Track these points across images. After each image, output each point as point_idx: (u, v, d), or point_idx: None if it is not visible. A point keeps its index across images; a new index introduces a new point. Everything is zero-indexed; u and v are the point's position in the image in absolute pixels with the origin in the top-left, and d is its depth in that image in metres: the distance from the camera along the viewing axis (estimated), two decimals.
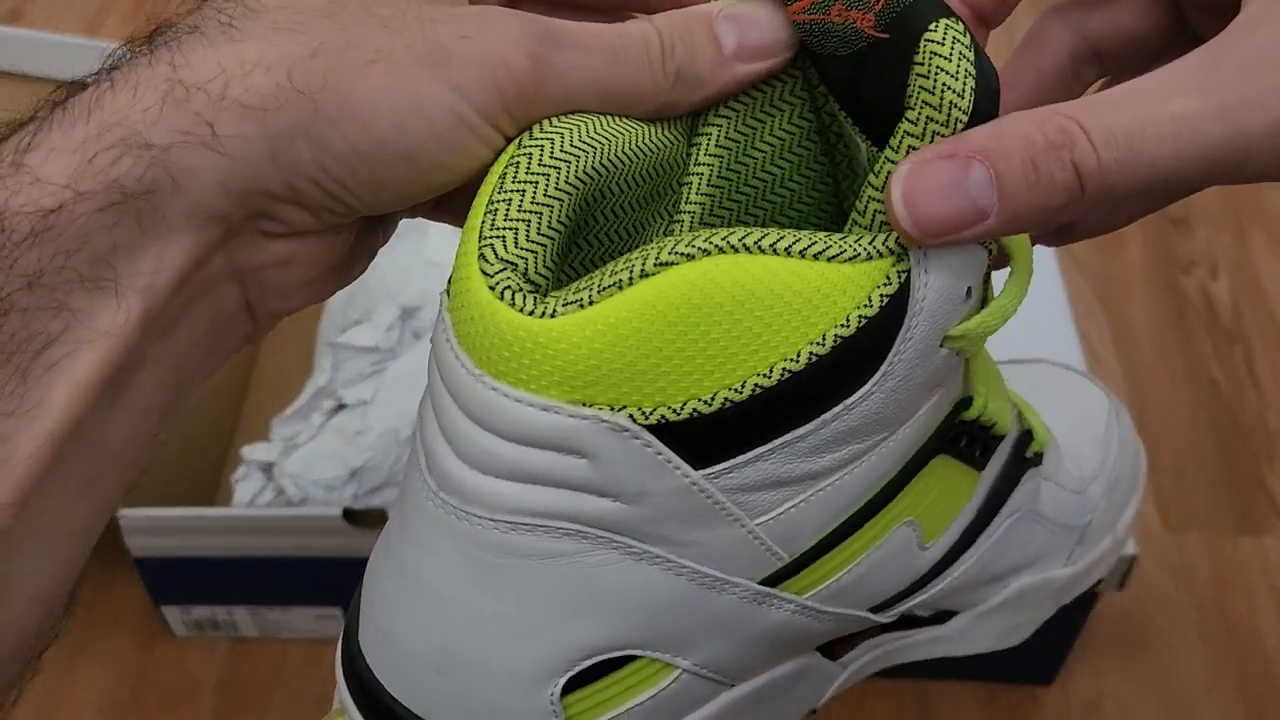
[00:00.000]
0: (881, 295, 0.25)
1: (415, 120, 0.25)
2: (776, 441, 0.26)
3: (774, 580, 0.29)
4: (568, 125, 0.27)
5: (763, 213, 0.31)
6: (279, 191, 0.26)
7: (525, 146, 0.26)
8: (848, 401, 0.26)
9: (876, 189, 0.26)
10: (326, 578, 0.61)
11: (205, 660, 0.64)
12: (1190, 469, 0.73)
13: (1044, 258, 0.68)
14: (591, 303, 0.24)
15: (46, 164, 0.24)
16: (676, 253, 0.25)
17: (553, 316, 0.24)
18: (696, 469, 0.26)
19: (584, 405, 0.25)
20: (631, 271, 0.25)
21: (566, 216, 0.26)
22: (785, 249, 0.25)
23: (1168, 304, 0.82)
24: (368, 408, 0.64)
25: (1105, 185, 0.24)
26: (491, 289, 0.25)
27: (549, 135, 0.26)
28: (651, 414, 0.25)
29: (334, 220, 0.27)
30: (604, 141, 0.27)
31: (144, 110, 0.24)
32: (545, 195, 0.26)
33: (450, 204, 0.32)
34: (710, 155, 0.30)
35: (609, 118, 0.27)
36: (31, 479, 0.24)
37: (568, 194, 0.26)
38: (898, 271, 0.26)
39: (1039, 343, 0.64)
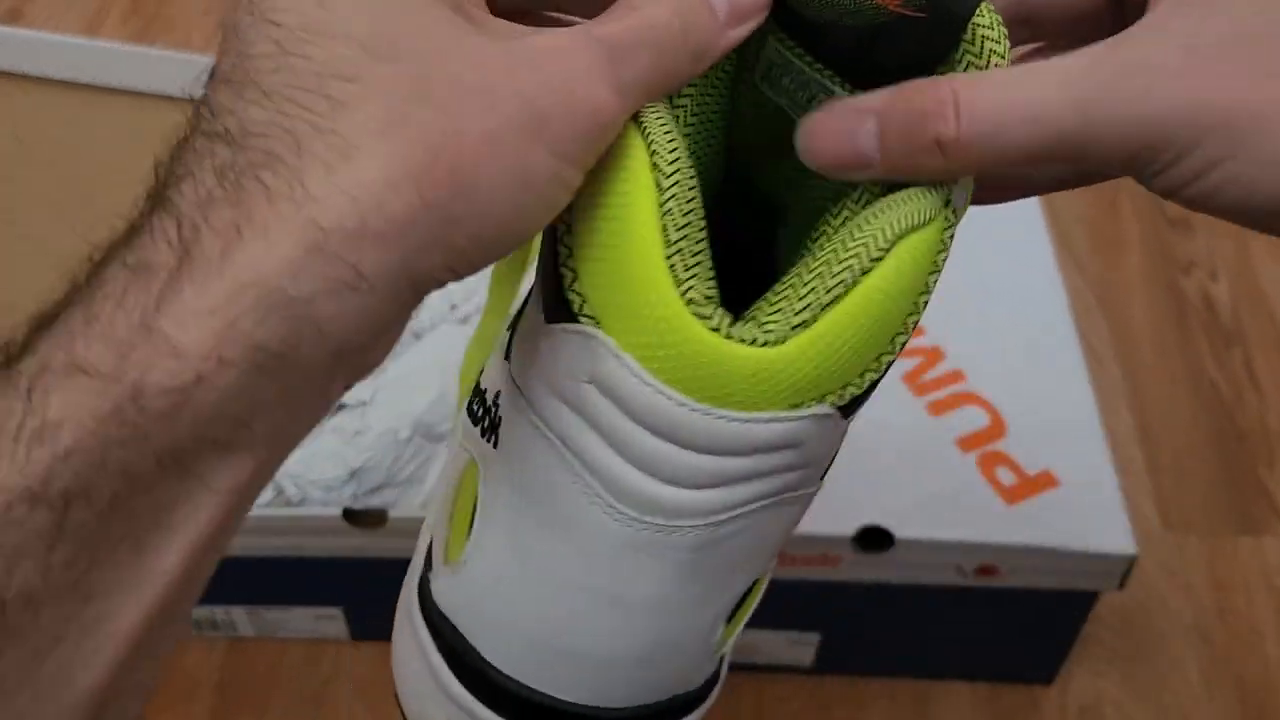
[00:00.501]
0: (942, 252, 0.28)
1: (528, 197, 0.24)
2: (880, 382, 0.28)
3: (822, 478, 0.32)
4: (676, 149, 0.27)
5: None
6: (408, 302, 0.24)
7: (666, 186, 0.26)
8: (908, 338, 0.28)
9: None
10: (325, 578, 0.61)
11: (203, 659, 0.64)
12: (1190, 470, 0.73)
13: (1044, 258, 0.68)
14: (815, 321, 0.26)
15: (184, 331, 0.22)
16: (874, 256, 0.26)
17: (783, 343, 0.26)
18: (845, 419, 0.28)
19: (798, 407, 0.26)
20: (845, 282, 0.26)
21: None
22: (909, 225, 0.27)
23: (1167, 305, 0.82)
24: (367, 408, 0.64)
25: (966, 155, 0.27)
26: (715, 331, 0.26)
27: (676, 168, 0.26)
28: (844, 395, 0.27)
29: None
30: (691, 156, 0.28)
31: (283, 262, 0.22)
32: (700, 227, 0.27)
33: None
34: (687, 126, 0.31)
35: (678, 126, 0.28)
36: (131, 648, 0.23)
37: (704, 219, 0.27)
38: (947, 230, 0.28)
39: (1039, 343, 0.64)
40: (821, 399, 0.27)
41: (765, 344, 0.26)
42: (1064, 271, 0.69)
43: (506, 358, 0.30)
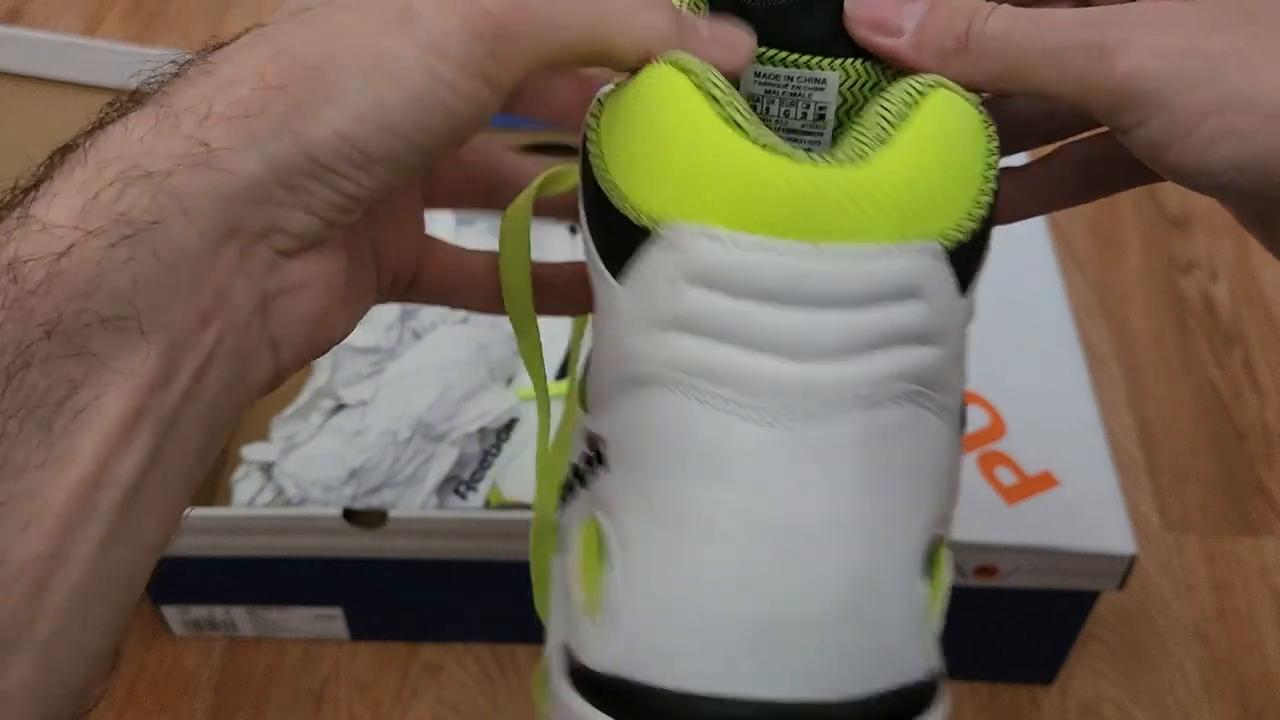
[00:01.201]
0: (990, 138, 0.28)
1: (389, 89, 0.25)
2: (978, 269, 0.27)
3: (962, 422, 0.30)
4: (704, 65, 0.27)
5: None
6: (279, 196, 0.26)
7: (699, 70, 0.27)
8: (988, 249, 0.28)
9: (914, 81, 0.29)
10: (325, 577, 0.61)
11: (203, 659, 0.64)
12: (1189, 470, 0.73)
13: (1044, 259, 0.68)
14: (891, 137, 0.26)
15: (51, 209, 0.24)
16: (922, 86, 0.27)
17: (868, 160, 0.25)
18: (962, 295, 0.27)
19: (910, 241, 0.25)
20: (906, 103, 0.26)
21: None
22: (944, 84, 0.27)
23: (1167, 306, 0.82)
24: (367, 408, 0.64)
25: (981, 47, 0.29)
26: (789, 157, 0.25)
27: (704, 65, 0.27)
28: (949, 238, 0.26)
29: (339, 218, 0.27)
30: None
31: (138, 140, 0.24)
32: (744, 102, 0.26)
33: (422, 287, 0.34)
34: None
35: None
36: (65, 530, 0.24)
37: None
38: (986, 126, 0.28)
39: (1039, 344, 0.64)
40: (928, 236, 0.25)
41: (851, 163, 0.25)
42: (1064, 271, 0.69)
43: (584, 408, 0.30)
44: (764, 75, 0.31)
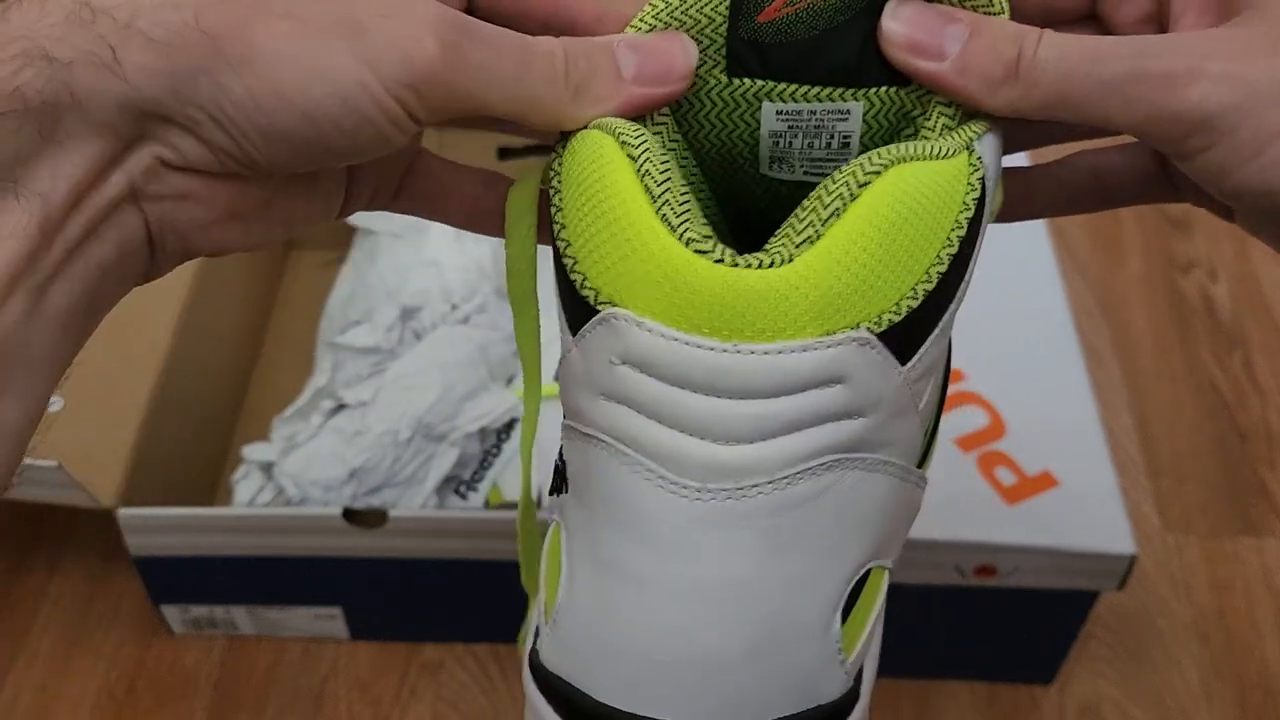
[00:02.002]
0: (970, 191, 0.28)
1: (318, 83, 0.26)
2: (935, 331, 0.28)
3: (920, 463, 0.31)
4: (641, 133, 0.28)
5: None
6: (177, 119, 0.27)
7: (638, 155, 0.27)
8: (966, 282, 0.29)
9: (944, 104, 0.29)
10: (325, 577, 0.61)
11: (203, 658, 0.64)
12: (1190, 471, 0.73)
13: (1044, 261, 0.68)
14: (819, 236, 0.26)
15: None
16: (869, 172, 0.27)
17: (790, 261, 0.26)
18: (902, 366, 0.28)
19: (832, 333, 0.26)
20: (842, 197, 0.27)
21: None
22: (917, 155, 0.27)
23: (1168, 306, 0.82)
24: (367, 408, 0.64)
25: (1032, 75, 0.28)
26: (720, 262, 0.26)
27: (643, 140, 0.28)
28: (880, 322, 0.27)
29: (234, 166, 0.28)
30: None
31: (49, 26, 0.25)
32: (680, 181, 0.27)
33: (411, 192, 0.34)
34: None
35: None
36: None
37: (683, 177, 0.28)
38: (973, 172, 0.28)
39: (1039, 345, 0.64)
40: (855, 325, 0.26)
41: (773, 265, 0.26)
42: (1064, 272, 0.69)
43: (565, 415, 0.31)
44: (786, 113, 0.31)
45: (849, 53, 0.30)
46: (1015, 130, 0.31)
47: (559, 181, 0.29)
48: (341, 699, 0.63)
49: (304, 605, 0.63)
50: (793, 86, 0.30)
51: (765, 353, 0.26)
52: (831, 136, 0.31)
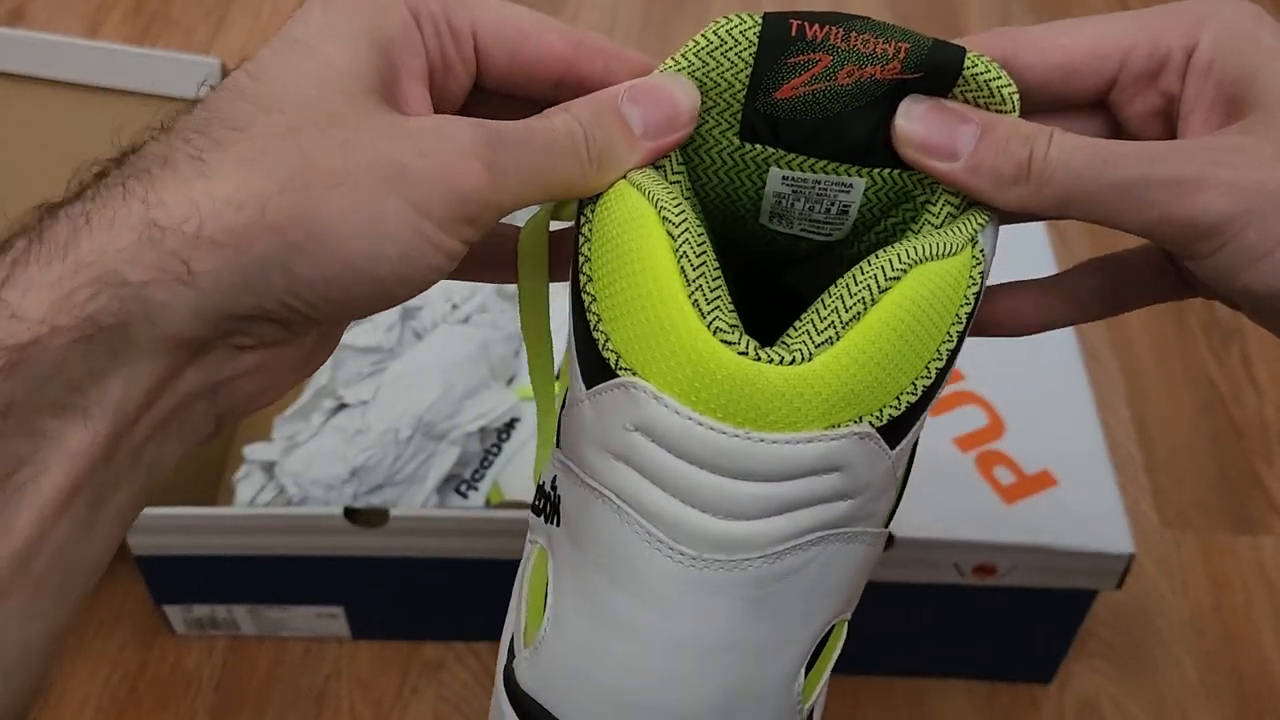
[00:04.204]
0: (971, 286, 0.29)
1: (381, 243, 0.26)
2: (923, 416, 0.30)
3: (887, 523, 0.32)
4: (680, 205, 0.29)
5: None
6: (251, 313, 0.27)
7: (678, 234, 0.28)
8: (948, 370, 0.30)
9: (950, 193, 0.31)
10: (326, 576, 0.61)
11: (204, 658, 0.65)
12: (1188, 468, 0.73)
13: (1042, 260, 0.68)
14: (838, 338, 0.27)
15: (24, 299, 0.24)
16: (890, 277, 0.28)
17: (809, 360, 0.27)
18: (891, 451, 0.29)
19: (836, 427, 0.27)
20: (864, 301, 0.28)
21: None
22: (931, 254, 0.28)
23: (1165, 304, 0.82)
24: (368, 407, 0.64)
25: (1044, 176, 0.29)
26: (744, 354, 0.27)
27: (684, 217, 0.28)
28: (881, 416, 0.28)
29: (304, 332, 0.28)
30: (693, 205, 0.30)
31: (120, 249, 0.25)
32: (715, 266, 0.28)
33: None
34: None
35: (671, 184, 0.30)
36: None
37: (717, 260, 0.29)
38: (976, 266, 0.29)
39: (1037, 345, 0.64)
40: (858, 419, 0.28)
41: (793, 362, 0.27)
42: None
43: (558, 446, 0.32)
44: (791, 179, 0.32)
45: (859, 135, 0.31)
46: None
47: (589, 231, 0.29)
48: (343, 698, 0.63)
49: (305, 605, 0.63)
50: (801, 157, 0.31)
51: (774, 442, 0.27)
52: (832, 204, 0.32)
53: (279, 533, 0.59)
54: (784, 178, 0.32)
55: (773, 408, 0.27)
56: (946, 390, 0.62)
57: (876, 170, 0.31)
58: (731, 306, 0.28)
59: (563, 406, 0.33)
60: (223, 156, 0.26)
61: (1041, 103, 0.32)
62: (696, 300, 0.27)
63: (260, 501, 0.63)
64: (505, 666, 0.32)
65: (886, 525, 0.32)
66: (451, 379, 0.65)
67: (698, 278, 0.28)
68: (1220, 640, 0.66)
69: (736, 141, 0.31)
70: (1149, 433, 0.75)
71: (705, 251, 0.28)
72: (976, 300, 0.29)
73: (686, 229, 0.28)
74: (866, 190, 0.32)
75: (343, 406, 0.65)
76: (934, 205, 0.31)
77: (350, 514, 0.58)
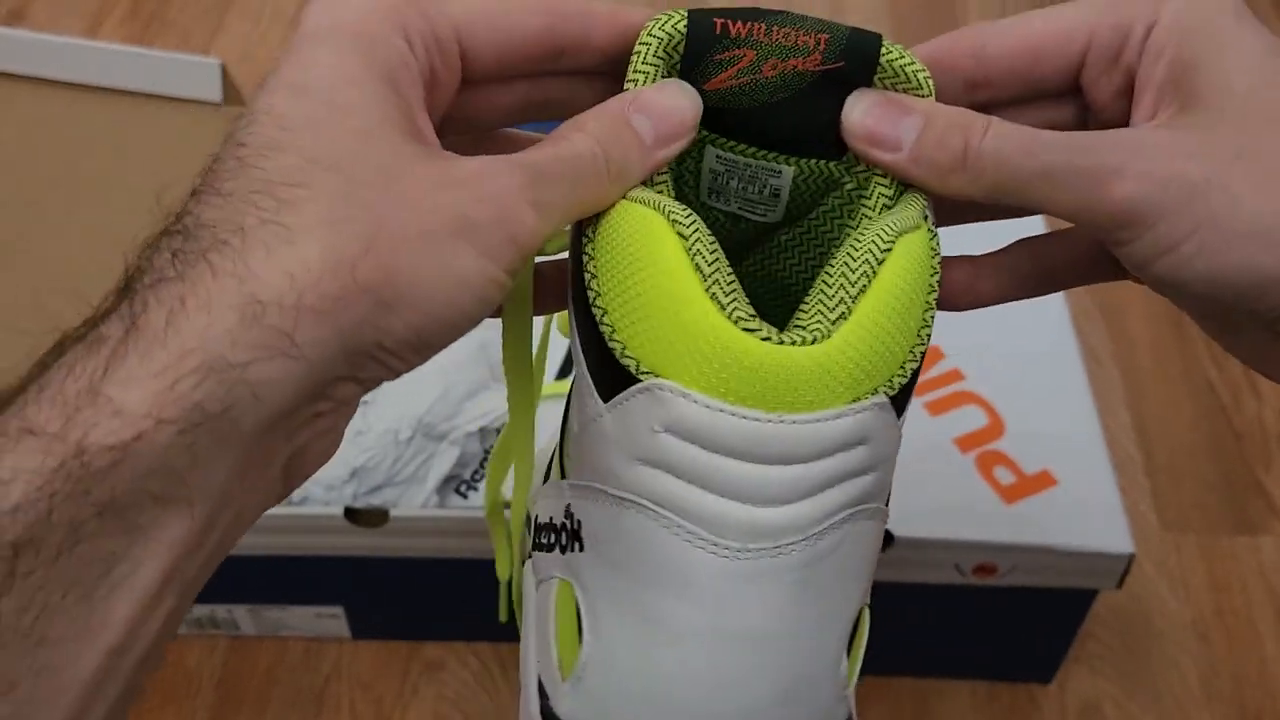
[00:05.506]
0: (935, 255, 0.30)
1: (459, 291, 0.27)
2: (915, 383, 0.30)
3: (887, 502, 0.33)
4: (687, 209, 0.29)
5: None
6: (345, 377, 0.27)
7: (689, 233, 0.29)
8: (929, 337, 0.30)
9: (883, 179, 0.31)
10: (327, 576, 0.61)
11: (205, 657, 0.65)
12: (1187, 470, 0.73)
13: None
14: (851, 312, 0.28)
15: (127, 394, 0.24)
16: (884, 249, 0.29)
17: (829, 338, 0.28)
18: (898, 420, 0.30)
19: (859, 399, 0.28)
20: (865, 273, 0.28)
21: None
22: (906, 227, 0.29)
23: (1165, 307, 0.81)
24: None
25: (978, 165, 0.30)
26: (767, 340, 0.27)
27: (693, 218, 0.29)
28: (892, 385, 0.29)
29: (374, 386, 0.28)
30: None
31: (223, 331, 0.24)
32: (726, 261, 0.29)
33: None
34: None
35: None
36: (89, 695, 0.24)
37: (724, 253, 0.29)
38: (932, 239, 0.30)
39: (1037, 346, 0.64)
40: (875, 390, 0.28)
41: (814, 341, 0.28)
42: None
43: (563, 477, 0.32)
44: (724, 159, 0.33)
45: (786, 126, 0.31)
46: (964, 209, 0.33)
47: (593, 249, 0.30)
48: (343, 698, 0.63)
49: (306, 605, 0.63)
50: (731, 142, 0.32)
51: (806, 422, 0.27)
52: (764, 186, 0.33)
53: (279, 533, 0.59)
54: (718, 156, 0.33)
55: (802, 388, 0.27)
56: (946, 390, 0.62)
57: (804, 160, 0.32)
58: (746, 298, 0.28)
59: (562, 437, 0.33)
60: (299, 219, 0.25)
61: (1014, 90, 0.32)
62: (714, 294, 0.28)
63: None
64: (541, 709, 0.32)
65: (887, 503, 0.33)
66: (451, 380, 0.65)
67: (713, 273, 0.28)
68: (1220, 641, 0.66)
69: None
70: (1149, 435, 0.75)
71: (716, 248, 0.28)
72: (940, 269, 0.30)
73: (696, 228, 0.28)
74: (795, 178, 0.32)
75: None
76: (868, 198, 0.32)
77: (350, 514, 0.58)
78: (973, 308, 0.35)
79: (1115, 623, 0.66)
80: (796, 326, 0.28)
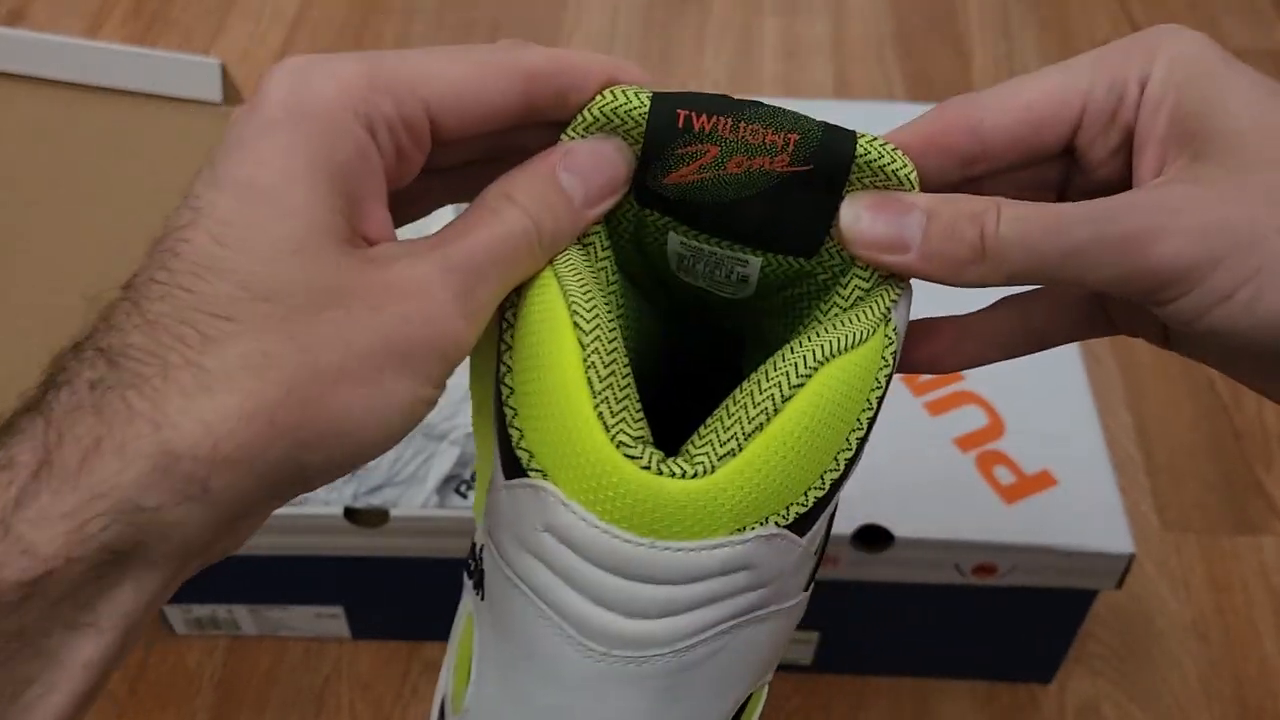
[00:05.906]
0: (883, 368, 0.29)
1: (389, 419, 0.27)
2: (833, 501, 0.30)
3: (808, 585, 0.33)
4: (593, 304, 0.29)
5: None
6: (263, 503, 0.27)
7: (587, 342, 0.28)
8: (858, 457, 0.30)
9: (861, 271, 0.30)
10: (327, 576, 0.61)
11: (205, 657, 0.65)
12: (1188, 469, 0.73)
13: None
14: (741, 449, 0.27)
15: (37, 533, 0.24)
16: (795, 385, 0.28)
17: (712, 473, 0.27)
18: (801, 539, 0.29)
19: (743, 530, 0.28)
20: (767, 411, 0.28)
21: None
22: (841, 348, 0.28)
23: None
24: None
25: (999, 253, 0.29)
26: (646, 469, 0.27)
27: (595, 323, 0.28)
28: (788, 514, 0.28)
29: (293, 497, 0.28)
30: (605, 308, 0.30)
31: (135, 478, 0.25)
32: (624, 373, 0.28)
33: None
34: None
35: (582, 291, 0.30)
36: None
37: (628, 364, 0.29)
38: (888, 347, 0.29)
39: None
40: (764, 520, 0.28)
41: (695, 475, 0.27)
42: None
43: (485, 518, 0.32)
44: (689, 245, 0.32)
45: (751, 223, 0.31)
46: None
47: (512, 317, 0.29)
48: (343, 698, 0.63)
49: (305, 605, 0.63)
50: (695, 231, 0.31)
51: (681, 550, 0.27)
52: (731, 272, 0.32)
53: (279, 533, 0.59)
54: (681, 243, 0.32)
55: (676, 519, 0.27)
56: (946, 390, 0.62)
57: (770, 254, 0.31)
58: (639, 415, 0.28)
59: (479, 474, 0.33)
60: (220, 362, 0.25)
61: (1012, 161, 0.32)
62: (601, 411, 0.27)
63: None
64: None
65: (808, 589, 0.33)
66: (451, 379, 0.65)
67: (604, 388, 0.28)
68: (1221, 642, 0.66)
69: (635, 204, 0.31)
70: (1149, 435, 0.75)
71: (615, 358, 0.28)
72: (887, 381, 0.29)
73: (597, 333, 0.28)
74: (763, 268, 0.32)
75: None
76: (843, 287, 0.31)
77: (350, 514, 0.58)
78: (959, 369, 0.35)
79: (1115, 623, 0.66)
80: (685, 454, 0.28)
